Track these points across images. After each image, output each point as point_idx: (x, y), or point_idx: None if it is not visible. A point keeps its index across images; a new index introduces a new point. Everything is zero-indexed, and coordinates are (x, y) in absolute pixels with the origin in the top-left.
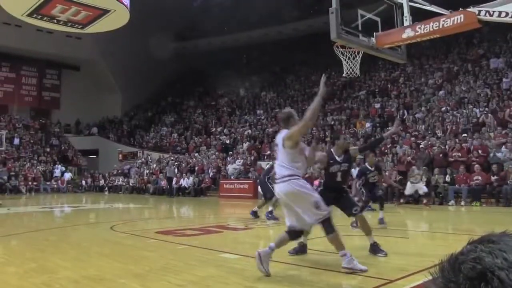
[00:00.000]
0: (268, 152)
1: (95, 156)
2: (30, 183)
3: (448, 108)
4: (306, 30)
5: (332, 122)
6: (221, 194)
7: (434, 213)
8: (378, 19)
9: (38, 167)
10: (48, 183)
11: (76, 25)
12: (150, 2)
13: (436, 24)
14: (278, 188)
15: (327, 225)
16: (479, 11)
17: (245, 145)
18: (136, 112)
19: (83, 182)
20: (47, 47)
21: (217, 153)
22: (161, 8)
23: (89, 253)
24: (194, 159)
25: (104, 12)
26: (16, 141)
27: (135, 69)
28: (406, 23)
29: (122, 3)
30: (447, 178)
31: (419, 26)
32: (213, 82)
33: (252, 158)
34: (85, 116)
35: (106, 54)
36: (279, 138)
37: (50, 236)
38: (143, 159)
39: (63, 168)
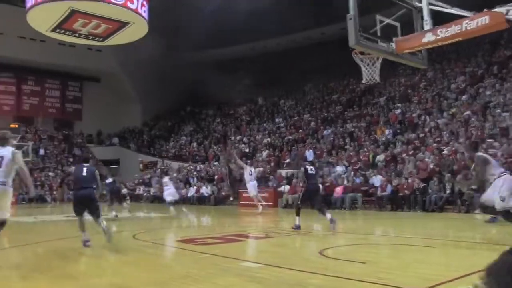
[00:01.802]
0: (288, 160)
1: (116, 166)
2: (54, 192)
3: (472, 113)
4: (321, 38)
5: (352, 130)
6: (241, 202)
7: (459, 222)
8: (398, 24)
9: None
10: (71, 192)
11: (97, 38)
12: (168, 14)
13: (458, 27)
14: None
15: None
16: (508, 10)
17: (264, 153)
18: (156, 122)
19: (105, 191)
20: (69, 60)
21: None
22: (179, 19)
23: (113, 261)
24: (213, 167)
25: (124, 24)
26: (41, 151)
27: (154, 80)
28: (426, 27)
29: (141, 16)
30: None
31: (440, 29)
32: (231, 91)
33: (272, 166)
34: (106, 127)
35: (125, 65)
36: None
37: (75, 244)
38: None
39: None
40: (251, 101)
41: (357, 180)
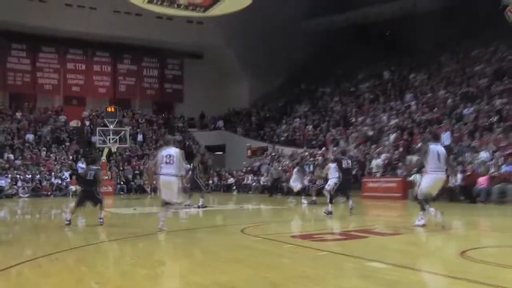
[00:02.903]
0: (420, 144)
1: (221, 153)
2: (154, 182)
3: None
4: None
5: (501, 107)
6: (364, 194)
7: None
8: None
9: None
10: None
11: (198, 8)
12: None
13: None
14: None
15: None
16: None
17: (392, 136)
18: (266, 102)
19: (210, 181)
20: (168, 35)
21: (359, 146)
22: None
23: (219, 257)
24: (332, 153)
25: None
26: (140, 137)
27: (263, 54)
28: None
29: None
30: None
31: None
32: (353, 65)
33: (400, 151)
34: (210, 109)
35: (230, 39)
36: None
37: (177, 239)
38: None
39: (189, 166)
40: (376, 76)
41: (507, 168)
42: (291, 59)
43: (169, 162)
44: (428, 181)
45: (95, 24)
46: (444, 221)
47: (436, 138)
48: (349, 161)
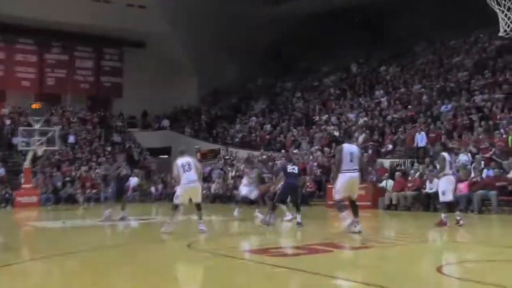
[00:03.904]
0: (391, 146)
1: (166, 156)
2: (88, 190)
3: None
4: None
5: (482, 104)
6: (329, 202)
7: None
8: None
9: (97, 171)
10: (109, 190)
11: None
12: None
13: None
14: None
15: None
16: None
17: (361, 137)
18: (217, 99)
19: (153, 189)
20: (105, 20)
21: (323, 148)
22: None
23: (162, 276)
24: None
25: None
26: (71, 138)
27: (215, 44)
28: None
29: None
30: None
31: None
32: (316, 57)
33: (370, 154)
34: (154, 106)
35: (177, 25)
36: None
37: (114, 256)
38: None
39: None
40: (342, 69)
41: (490, 173)
42: (247, 50)
43: (189, 169)
44: (341, 181)
45: (17, 6)
46: (356, 228)
47: (349, 137)
48: (295, 167)
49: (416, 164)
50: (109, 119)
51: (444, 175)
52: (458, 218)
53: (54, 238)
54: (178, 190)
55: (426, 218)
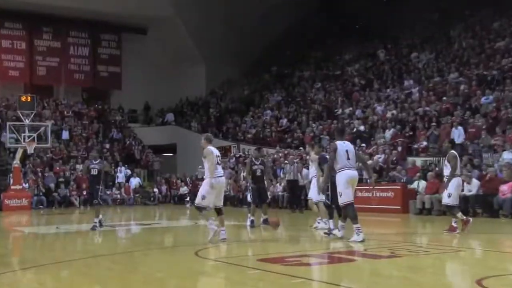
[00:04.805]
0: (425, 143)
1: (171, 154)
2: (84, 192)
3: None
4: None
5: None
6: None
7: None
8: None
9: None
10: (108, 192)
11: None
12: None
13: None
14: None
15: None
16: None
17: (388, 132)
18: (228, 91)
19: (156, 190)
20: (102, 3)
21: None
22: None
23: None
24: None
25: None
26: (65, 135)
27: (224, 29)
28: None
29: None
30: None
31: None
32: (338, 43)
33: (399, 151)
34: (157, 99)
35: (183, 9)
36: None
37: (113, 265)
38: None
39: (128, 172)
40: (368, 56)
41: None
42: (260, 36)
43: (220, 163)
44: (341, 181)
45: None
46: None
47: (342, 134)
48: (261, 166)
49: None
50: (107, 113)
51: (453, 176)
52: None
53: (47, 246)
54: (206, 187)
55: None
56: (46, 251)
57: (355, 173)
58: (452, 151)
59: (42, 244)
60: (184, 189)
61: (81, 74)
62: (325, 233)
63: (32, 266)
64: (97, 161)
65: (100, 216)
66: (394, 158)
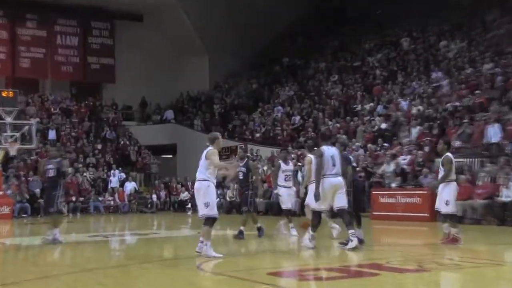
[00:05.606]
0: (458, 142)
1: (171, 156)
2: (74, 198)
3: None
4: None
5: None
6: (374, 212)
7: None
8: None
9: (85, 174)
10: (100, 198)
11: None
12: None
13: None
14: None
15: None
16: None
17: (414, 131)
18: (234, 84)
19: (154, 196)
20: None
21: (367, 145)
22: None
23: None
24: None
25: None
26: (52, 134)
27: (230, 16)
28: None
29: None
30: None
31: None
32: (356, 31)
33: (426, 152)
34: (155, 94)
35: None
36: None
37: (106, 279)
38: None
39: (123, 175)
40: (391, 44)
41: None
42: (270, 25)
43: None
44: (324, 188)
45: None
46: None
47: (327, 138)
48: (244, 168)
49: (487, 165)
50: (99, 110)
51: (450, 181)
52: (446, 231)
53: (31, 259)
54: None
55: (500, 233)
56: (30, 265)
57: (337, 180)
58: (448, 153)
59: (25, 257)
60: (185, 195)
61: (69, 67)
62: (340, 243)
63: (14, 282)
64: (56, 160)
65: (58, 228)
66: (421, 160)
